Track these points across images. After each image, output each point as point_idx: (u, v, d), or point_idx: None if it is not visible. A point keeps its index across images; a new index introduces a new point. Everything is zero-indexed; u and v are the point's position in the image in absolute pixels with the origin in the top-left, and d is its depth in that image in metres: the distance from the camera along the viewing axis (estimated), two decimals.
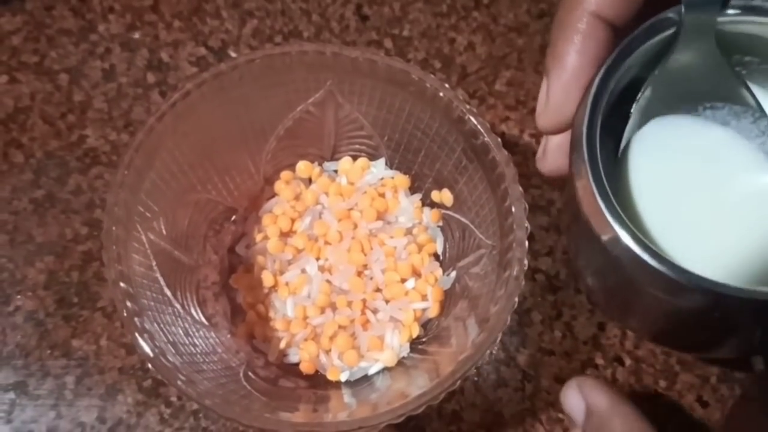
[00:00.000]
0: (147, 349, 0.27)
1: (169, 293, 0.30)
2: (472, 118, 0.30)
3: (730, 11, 0.23)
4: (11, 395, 0.34)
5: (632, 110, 0.24)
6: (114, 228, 0.28)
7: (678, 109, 0.24)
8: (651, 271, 0.21)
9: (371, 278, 0.34)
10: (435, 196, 0.35)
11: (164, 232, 0.31)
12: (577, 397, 0.27)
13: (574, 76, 0.24)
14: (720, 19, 0.23)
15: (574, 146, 0.23)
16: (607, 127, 0.22)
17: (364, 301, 0.34)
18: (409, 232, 0.35)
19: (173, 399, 0.34)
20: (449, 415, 0.34)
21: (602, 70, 0.23)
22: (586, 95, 0.23)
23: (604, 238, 0.22)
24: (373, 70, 0.31)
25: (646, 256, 0.21)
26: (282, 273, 0.34)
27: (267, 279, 0.34)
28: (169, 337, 0.28)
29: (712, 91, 0.24)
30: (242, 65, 0.31)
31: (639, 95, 0.24)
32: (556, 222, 0.38)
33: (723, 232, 0.23)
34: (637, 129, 0.24)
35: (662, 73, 0.23)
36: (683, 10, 0.22)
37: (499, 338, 0.27)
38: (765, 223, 0.23)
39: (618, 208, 0.21)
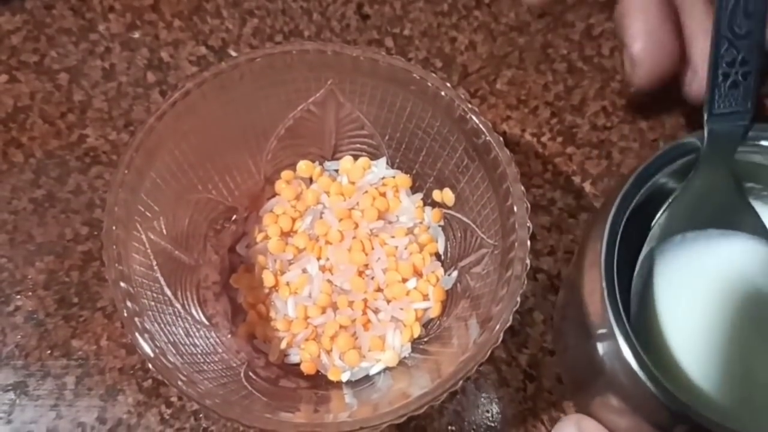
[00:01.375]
0: (147, 349, 0.26)
1: (169, 293, 0.30)
2: (474, 117, 0.30)
3: (750, 143, 0.23)
4: (11, 395, 0.34)
5: (649, 233, 0.24)
6: (114, 228, 0.28)
7: (696, 229, 0.24)
8: (648, 394, 0.21)
9: (372, 278, 0.34)
10: (436, 195, 0.35)
11: (164, 231, 0.31)
12: None
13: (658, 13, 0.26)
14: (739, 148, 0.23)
15: (589, 258, 0.23)
16: (625, 239, 0.23)
17: (365, 300, 0.33)
18: (410, 231, 0.35)
19: (174, 399, 0.34)
20: (451, 416, 0.34)
21: (622, 191, 0.23)
22: (608, 210, 0.23)
23: (608, 357, 0.22)
24: (375, 69, 0.31)
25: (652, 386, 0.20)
26: (283, 273, 0.34)
27: (268, 279, 0.34)
28: (170, 337, 0.28)
29: (725, 218, 0.24)
30: (243, 64, 0.30)
31: (657, 216, 0.24)
32: (558, 221, 0.38)
33: (730, 364, 0.23)
34: (652, 248, 0.24)
35: (679, 198, 0.24)
36: (706, 138, 0.23)
37: (500, 338, 0.27)
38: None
39: (628, 328, 0.21)
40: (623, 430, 0.23)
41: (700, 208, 0.24)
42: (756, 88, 0.23)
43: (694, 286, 0.24)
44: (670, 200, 0.24)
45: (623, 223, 0.23)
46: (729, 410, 0.22)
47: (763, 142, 0.23)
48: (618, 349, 0.21)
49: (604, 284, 0.22)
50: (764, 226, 0.24)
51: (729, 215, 0.24)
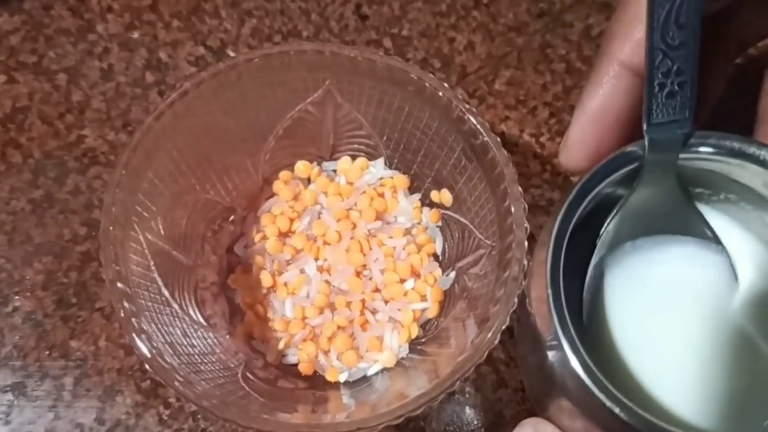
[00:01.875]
0: (145, 349, 0.26)
1: (167, 293, 0.30)
2: (472, 118, 0.30)
3: (691, 150, 0.24)
4: (9, 396, 0.34)
5: (597, 241, 0.24)
6: (111, 228, 0.28)
7: (644, 236, 0.25)
8: (594, 399, 0.21)
9: (370, 278, 0.34)
10: (434, 196, 0.35)
11: (162, 232, 0.31)
12: None
13: (592, 119, 0.26)
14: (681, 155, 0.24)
15: (537, 268, 0.23)
16: (572, 252, 0.23)
17: (363, 301, 0.33)
18: (408, 232, 0.35)
19: (172, 400, 0.34)
20: (449, 416, 0.34)
21: (567, 201, 0.23)
22: (552, 224, 0.23)
23: (553, 358, 0.22)
24: (372, 70, 0.31)
25: (598, 393, 0.21)
26: (281, 273, 0.34)
27: (265, 279, 0.34)
28: (167, 338, 0.28)
29: (673, 224, 0.25)
30: (241, 65, 0.30)
31: (603, 229, 0.24)
32: None
33: (679, 368, 0.23)
34: (602, 257, 0.25)
35: (625, 206, 0.24)
36: (647, 147, 0.23)
37: (498, 339, 0.27)
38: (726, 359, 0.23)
39: (574, 335, 0.21)
40: None
41: (647, 215, 0.24)
42: (693, 97, 0.23)
43: (644, 292, 0.24)
44: (616, 209, 0.24)
45: (568, 233, 0.23)
46: (681, 415, 0.22)
47: (703, 149, 0.24)
48: (565, 357, 0.21)
49: (549, 291, 0.22)
50: (712, 229, 0.25)
51: (676, 221, 0.25)
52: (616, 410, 0.20)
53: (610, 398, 0.20)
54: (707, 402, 0.23)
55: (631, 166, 0.24)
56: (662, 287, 0.24)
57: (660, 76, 0.23)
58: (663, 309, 0.24)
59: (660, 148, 0.23)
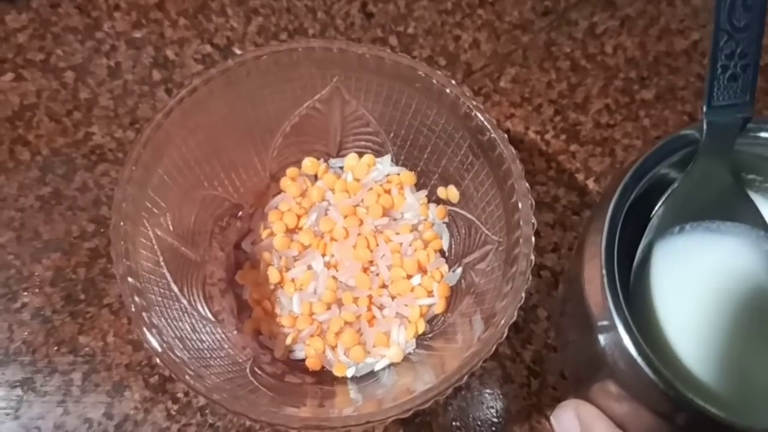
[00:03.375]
0: (155, 344, 0.27)
1: (176, 289, 0.30)
2: (479, 115, 0.30)
3: (749, 135, 0.23)
4: (18, 392, 0.34)
5: (647, 225, 0.24)
6: (122, 223, 0.28)
7: (695, 221, 0.25)
8: (647, 381, 0.21)
9: (377, 274, 0.34)
10: (441, 192, 0.35)
11: (171, 228, 0.31)
12: (572, 422, 0.26)
13: None
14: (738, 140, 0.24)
15: (589, 250, 0.23)
16: (625, 231, 0.23)
17: (370, 297, 0.34)
18: (414, 228, 0.35)
19: (180, 395, 0.34)
20: (455, 411, 0.34)
21: (622, 183, 0.23)
22: (608, 202, 0.23)
23: (608, 344, 0.22)
24: (380, 67, 0.31)
25: (647, 369, 0.21)
26: (288, 269, 0.34)
27: (273, 275, 0.34)
28: (177, 333, 0.28)
29: (723, 210, 0.25)
30: (249, 61, 0.31)
31: (656, 208, 0.24)
32: (562, 218, 0.38)
33: (726, 354, 0.23)
34: (651, 240, 0.25)
35: (677, 190, 0.24)
36: (705, 130, 0.23)
37: (504, 334, 0.27)
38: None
39: (628, 317, 0.21)
40: (621, 416, 0.24)
41: (698, 199, 0.24)
42: (755, 81, 0.23)
43: (692, 277, 0.24)
44: (668, 192, 0.24)
45: (623, 214, 0.23)
46: (725, 400, 0.22)
47: (762, 134, 0.24)
48: (618, 338, 0.21)
49: (604, 273, 0.22)
50: (762, 217, 0.25)
51: (727, 206, 0.25)
52: (665, 388, 0.20)
53: (662, 379, 0.20)
54: (752, 389, 0.23)
55: (688, 149, 0.23)
56: (710, 273, 0.24)
57: (723, 58, 0.23)
58: (710, 295, 0.24)
59: (718, 132, 0.23)
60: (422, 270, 0.34)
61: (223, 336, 0.32)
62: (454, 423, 0.34)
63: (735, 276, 0.24)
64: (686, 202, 0.24)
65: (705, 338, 0.23)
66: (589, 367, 0.25)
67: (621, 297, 0.22)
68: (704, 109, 0.23)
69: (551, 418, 0.26)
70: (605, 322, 0.22)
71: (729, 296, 0.24)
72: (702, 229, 0.25)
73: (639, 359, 0.21)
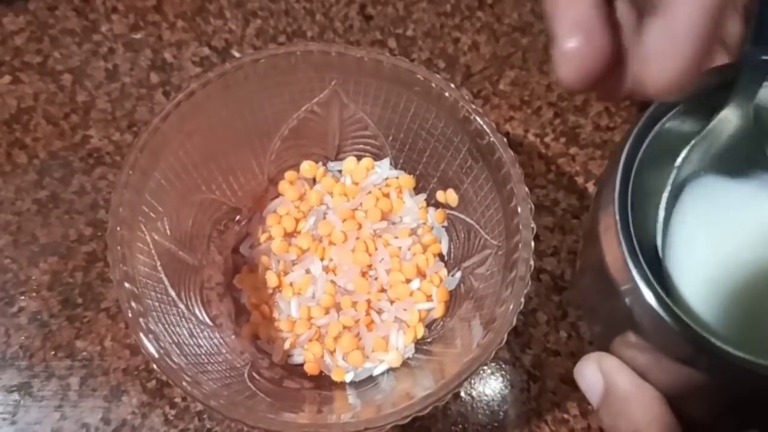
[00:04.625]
0: (152, 349, 0.26)
1: (173, 294, 0.30)
2: (478, 118, 0.30)
3: None
4: (15, 396, 0.34)
5: (672, 171, 0.24)
6: (119, 228, 0.28)
7: (715, 175, 0.24)
8: (668, 331, 0.21)
9: (376, 279, 0.34)
10: (440, 196, 0.35)
11: (169, 232, 0.31)
12: (595, 375, 0.25)
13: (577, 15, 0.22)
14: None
15: (603, 202, 0.23)
16: (642, 189, 0.23)
17: (368, 301, 0.33)
18: (413, 232, 0.35)
19: (178, 400, 0.34)
20: (454, 416, 0.34)
21: (636, 128, 0.23)
22: (622, 147, 0.23)
23: (627, 295, 0.22)
24: (379, 70, 0.31)
25: (665, 315, 0.20)
26: (286, 273, 0.34)
27: (271, 279, 0.34)
28: (174, 338, 0.28)
29: (747, 161, 0.24)
30: (247, 65, 0.30)
31: (674, 164, 0.24)
32: (561, 222, 0.38)
33: (749, 304, 0.23)
34: (674, 193, 0.24)
35: (700, 140, 0.24)
36: (742, 68, 0.23)
37: (504, 339, 0.27)
38: None
39: (645, 268, 0.21)
40: (644, 365, 0.23)
41: (721, 150, 0.24)
42: None
43: (715, 229, 0.24)
44: (690, 144, 0.24)
45: (638, 159, 0.22)
46: (749, 345, 0.22)
47: None
48: (636, 287, 0.21)
49: (617, 219, 0.22)
50: None
51: (751, 157, 0.24)
52: (685, 334, 0.20)
53: (681, 325, 0.20)
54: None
55: (717, 86, 0.23)
56: (733, 224, 0.24)
57: None
58: (734, 245, 0.23)
59: (754, 72, 0.23)
60: (421, 274, 0.34)
61: (221, 341, 0.32)
62: (453, 428, 0.34)
63: (759, 227, 0.23)
64: (708, 152, 0.24)
65: (729, 288, 0.23)
66: (607, 318, 0.24)
67: (636, 246, 0.21)
68: (746, 47, 0.22)
69: (574, 372, 0.26)
70: (621, 273, 0.21)
71: (753, 247, 0.23)
72: (725, 181, 0.24)
73: (660, 310, 0.20)
